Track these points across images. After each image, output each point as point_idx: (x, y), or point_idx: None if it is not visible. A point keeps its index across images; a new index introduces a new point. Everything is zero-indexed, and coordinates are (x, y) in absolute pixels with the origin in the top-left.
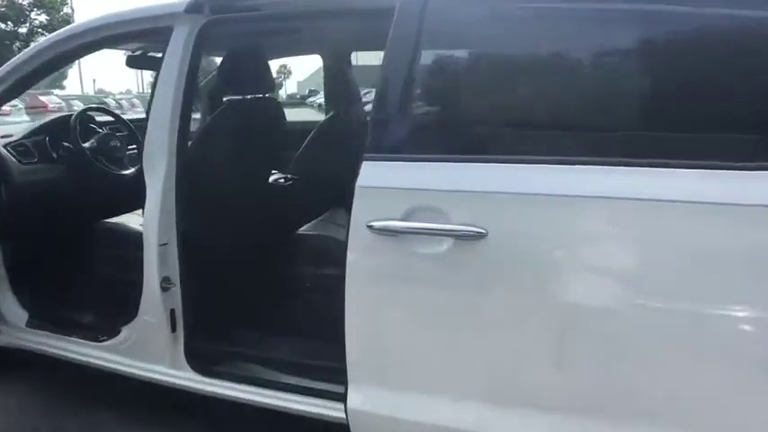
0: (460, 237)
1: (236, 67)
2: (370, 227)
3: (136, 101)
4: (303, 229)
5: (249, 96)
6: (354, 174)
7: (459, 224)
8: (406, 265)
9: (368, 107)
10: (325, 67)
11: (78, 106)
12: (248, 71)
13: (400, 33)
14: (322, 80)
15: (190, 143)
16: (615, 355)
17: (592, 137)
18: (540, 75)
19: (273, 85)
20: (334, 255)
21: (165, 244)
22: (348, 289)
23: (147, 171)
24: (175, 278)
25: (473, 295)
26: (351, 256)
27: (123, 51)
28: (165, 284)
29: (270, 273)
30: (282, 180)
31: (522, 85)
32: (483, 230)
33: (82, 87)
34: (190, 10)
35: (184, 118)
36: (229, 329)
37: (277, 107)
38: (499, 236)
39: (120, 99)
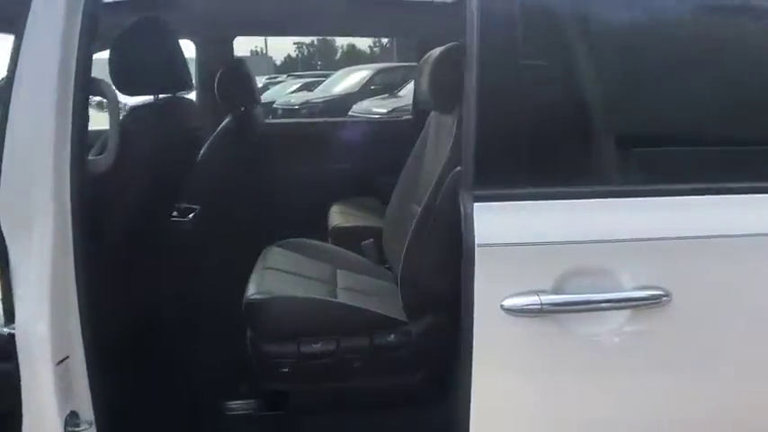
0: (640, 305)
1: (146, 51)
2: (503, 307)
3: None
4: (251, 294)
5: (161, 96)
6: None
7: (638, 288)
8: (565, 352)
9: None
10: (203, 59)
11: None
12: (165, 58)
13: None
14: None
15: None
16: None
17: None
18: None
19: (191, 80)
20: (312, 323)
21: (65, 359)
22: (476, 386)
23: (12, 231)
24: (87, 413)
25: (659, 384)
26: (479, 346)
27: None
28: (73, 426)
29: (226, 369)
30: (176, 213)
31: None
32: (666, 293)
33: None
34: None
35: (80, 130)
36: None
37: (194, 110)
38: (688, 298)
39: None
